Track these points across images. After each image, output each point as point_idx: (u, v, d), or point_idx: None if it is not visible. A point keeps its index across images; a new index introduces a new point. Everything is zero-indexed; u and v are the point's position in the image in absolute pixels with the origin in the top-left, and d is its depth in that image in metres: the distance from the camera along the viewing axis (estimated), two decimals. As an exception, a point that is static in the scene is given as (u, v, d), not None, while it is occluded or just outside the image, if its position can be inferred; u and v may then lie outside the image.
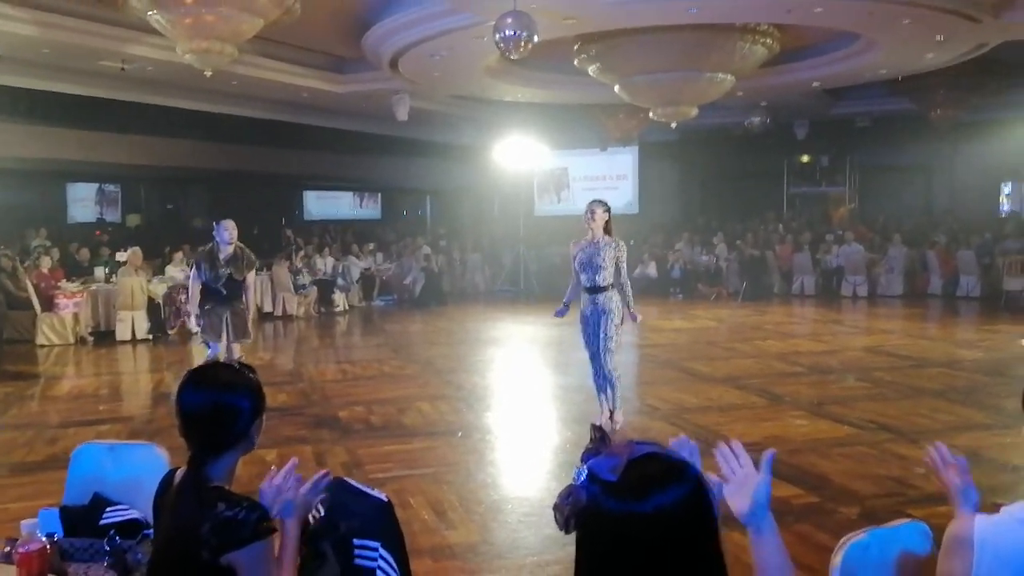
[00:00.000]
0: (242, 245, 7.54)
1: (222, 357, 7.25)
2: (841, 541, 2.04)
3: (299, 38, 12.73)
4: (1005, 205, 19.49)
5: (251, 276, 7.63)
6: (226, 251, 7.38)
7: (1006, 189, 19.46)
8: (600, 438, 1.36)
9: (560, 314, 6.73)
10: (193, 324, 7.22)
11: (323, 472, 2.11)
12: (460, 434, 6.47)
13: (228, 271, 7.39)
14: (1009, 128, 16.92)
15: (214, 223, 7.67)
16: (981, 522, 1.65)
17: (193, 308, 7.51)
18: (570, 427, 6.63)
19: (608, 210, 6.44)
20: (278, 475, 2.04)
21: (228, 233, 7.39)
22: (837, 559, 2.01)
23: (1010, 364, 9.22)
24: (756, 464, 1.62)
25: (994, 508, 1.79)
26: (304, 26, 11.33)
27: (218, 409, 1.98)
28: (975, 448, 5.65)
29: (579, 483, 1.28)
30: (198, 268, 7.43)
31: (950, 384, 8.06)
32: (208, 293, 7.41)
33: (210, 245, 7.49)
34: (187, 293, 8.18)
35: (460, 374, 9.04)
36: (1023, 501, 1.67)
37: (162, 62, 11.83)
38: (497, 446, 6.26)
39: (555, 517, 1.29)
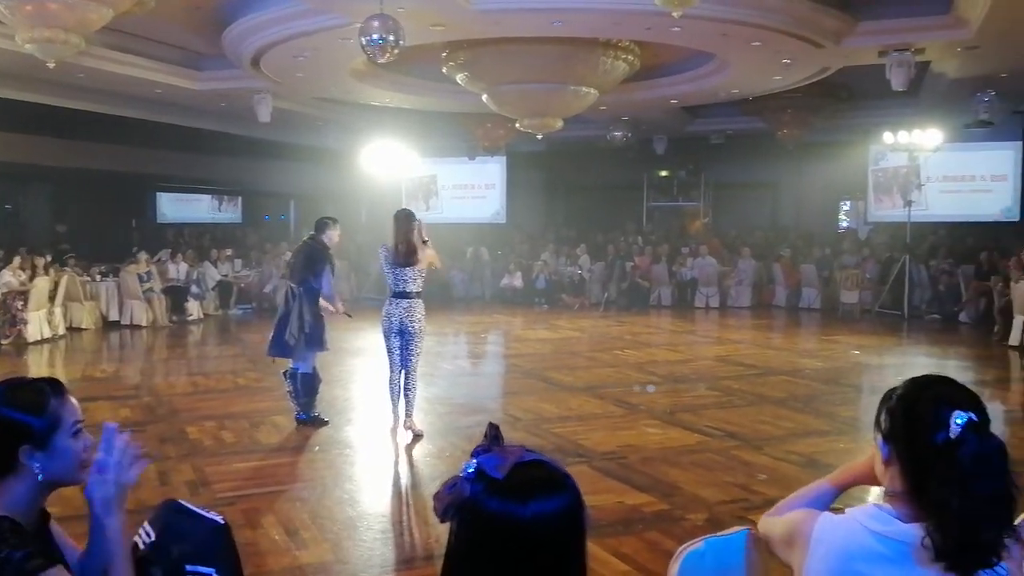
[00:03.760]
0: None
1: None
2: (678, 550, 2.07)
3: (154, 31, 12.12)
4: (844, 221, 20.96)
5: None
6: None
7: (845, 206, 20.92)
8: (494, 436, 1.36)
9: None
10: None
11: (111, 424, 1.81)
12: (317, 449, 6.30)
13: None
14: (848, 149, 18.13)
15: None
16: (824, 521, 1.70)
17: None
18: (432, 440, 6.56)
19: (408, 217, 6.57)
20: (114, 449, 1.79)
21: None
22: (674, 568, 2.04)
23: (845, 373, 9.88)
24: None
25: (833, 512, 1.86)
26: (159, 19, 10.82)
27: None
28: (813, 454, 5.99)
29: (465, 476, 1.29)
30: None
31: (792, 392, 8.51)
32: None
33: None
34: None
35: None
36: (866, 504, 1.72)
37: (0, 50, 11.01)
38: (356, 460, 6.13)
39: (434, 505, 1.31)
